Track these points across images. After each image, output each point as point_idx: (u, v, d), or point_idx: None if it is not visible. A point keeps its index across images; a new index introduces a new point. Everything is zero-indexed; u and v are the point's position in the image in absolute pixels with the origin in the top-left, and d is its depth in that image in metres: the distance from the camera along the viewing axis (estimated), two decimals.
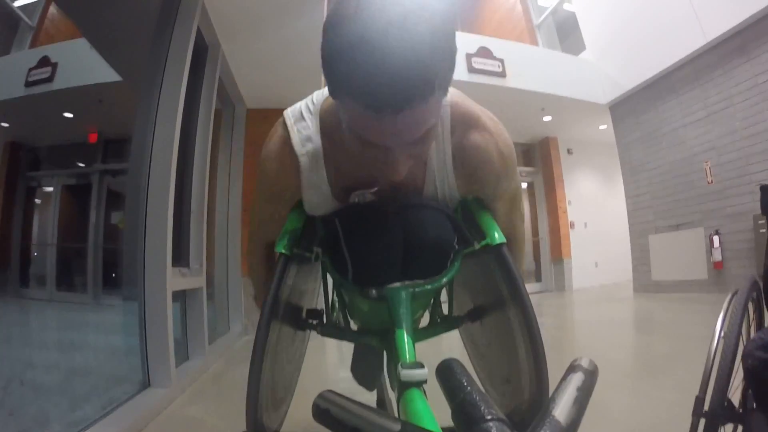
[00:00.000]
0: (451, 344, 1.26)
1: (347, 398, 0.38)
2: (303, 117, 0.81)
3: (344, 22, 0.54)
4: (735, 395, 0.92)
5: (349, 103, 0.57)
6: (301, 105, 0.83)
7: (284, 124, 0.82)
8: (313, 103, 0.82)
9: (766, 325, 1.13)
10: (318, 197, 0.84)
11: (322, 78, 0.60)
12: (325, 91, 0.80)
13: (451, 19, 0.58)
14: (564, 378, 0.38)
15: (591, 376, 0.38)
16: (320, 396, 0.39)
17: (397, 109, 0.54)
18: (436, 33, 0.53)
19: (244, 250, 4.79)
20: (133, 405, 2.07)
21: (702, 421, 0.86)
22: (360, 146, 0.64)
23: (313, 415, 0.38)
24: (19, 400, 2.35)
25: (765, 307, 1.10)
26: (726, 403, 0.86)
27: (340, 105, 0.61)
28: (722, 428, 0.88)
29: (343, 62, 0.54)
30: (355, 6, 0.54)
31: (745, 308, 0.95)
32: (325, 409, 0.38)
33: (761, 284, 1.11)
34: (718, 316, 0.99)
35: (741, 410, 0.92)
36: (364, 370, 1.33)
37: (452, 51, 0.57)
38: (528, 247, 8.76)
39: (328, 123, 0.79)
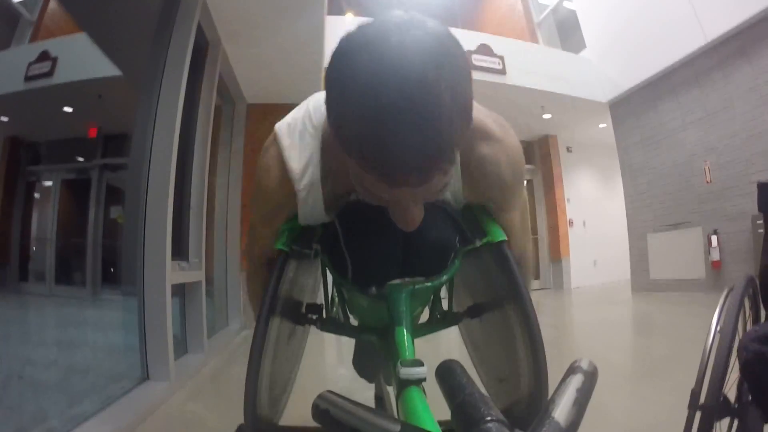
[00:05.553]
0: (449, 345, 1.27)
1: (347, 399, 0.38)
2: (301, 137, 0.74)
3: (355, 79, 0.47)
4: (731, 390, 0.93)
5: (359, 167, 0.51)
6: (298, 121, 0.75)
7: (277, 144, 0.75)
8: (311, 122, 0.75)
9: (762, 321, 1.14)
10: (313, 217, 0.80)
11: (322, 79, 0.54)
12: (323, 107, 0.71)
13: (468, 68, 0.51)
14: (564, 379, 0.38)
15: (591, 377, 0.38)
16: (320, 397, 0.39)
17: (415, 183, 0.50)
18: (458, 95, 0.48)
19: (243, 245, 4.78)
20: (131, 398, 2.08)
21: (698, 415, 0.86)
22: (370, 197, 0.59)
23: (313, 416, 0.39)
24: (17, 394, 2.35)
25: (761, 303, 1.11)
26: (722, 397, 0.86)
27: (348, 159, 0.54)
28: (718, 423, 0.89)
29: (354, 127, 0.48)
30: (367, 58, 0.46)
31: (741, 304, 0.96)
32: (325, 410, 0.38)
33: (758, 281, 1.12)
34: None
35: (736, 404, 0.93)
36: (366, 362, 1.34)
37: (470, 107, 0.52)
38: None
39: (330, 146, 0.72)
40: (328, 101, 0.51)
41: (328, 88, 0.51)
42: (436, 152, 0.47)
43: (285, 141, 0.74)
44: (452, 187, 0.77)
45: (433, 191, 0.56)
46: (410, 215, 0.59)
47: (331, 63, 0.50)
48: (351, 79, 0.47)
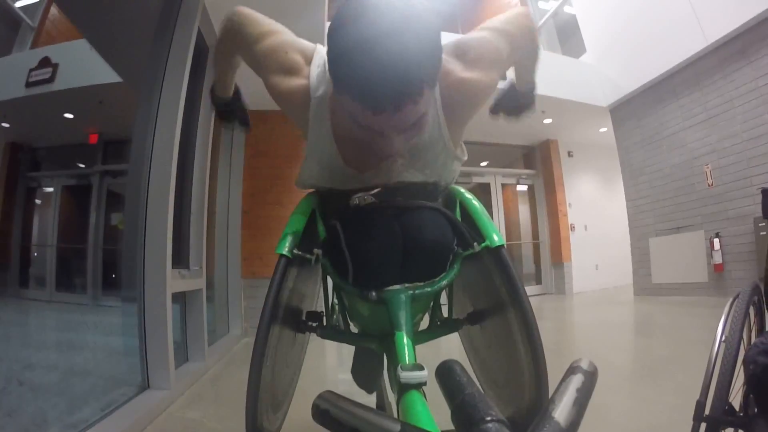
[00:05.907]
0: (450, 345, 1.26)
1: (347, 399, 0.38)
2: (325, 69, 0.85)
3: (344, 31, 0.62)
4: (735, 399, 0.91)
5: (348, 100, 0.64)
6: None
7: (313, 60, 0.90)
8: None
9: (767, 329, 1.13)
10: (321, 139, 0.87)
11: None
12: None
13: (438, 24, 0.64)
14: (564, 379, 0.38)
15: (591, 377, 0.38)
16: (320, 397, 0.39)
17: (390, 110, 0.62)
18: (424, 41, 0.61)
19: (244, 252, 4.79)
20: (132, 407, 2.07)
21: (703, 426, 0.85)
22: (360, 129, 0.71)
23: (313, 416, 0.39)
24: (17, 400, 2.34)
25: (766, 311, 1.10)
26: (727, 408, 0.85)
27: (342, 98, 0.67)
28: None
29: (343, 67, 0.62)
30: (354, 16, 0.62)
31: (747, 312, 0.95)
32: (325, 410, 0.38)
33: (762, 288, 1.11)
34: (718, 319, 0.99)
35: (742, 415, 0.92)
36: (365, 374, 1.34)
37: (438, 55, 0.65)
38: (528, 250, 8.77)
39: (335, 108, 0.85)
40: (327, 53, 0.65)
41: (328, 36, 0.65)
42: (403, 84, 0.60)
43: (317, 60, 0.89)
44: (438, 119, 0.85)
45: (408, 121, 0.67)
46: (392, 144, 0.71)
47: (330, 24, 0.65)
48: (338, 32, 0.63)
